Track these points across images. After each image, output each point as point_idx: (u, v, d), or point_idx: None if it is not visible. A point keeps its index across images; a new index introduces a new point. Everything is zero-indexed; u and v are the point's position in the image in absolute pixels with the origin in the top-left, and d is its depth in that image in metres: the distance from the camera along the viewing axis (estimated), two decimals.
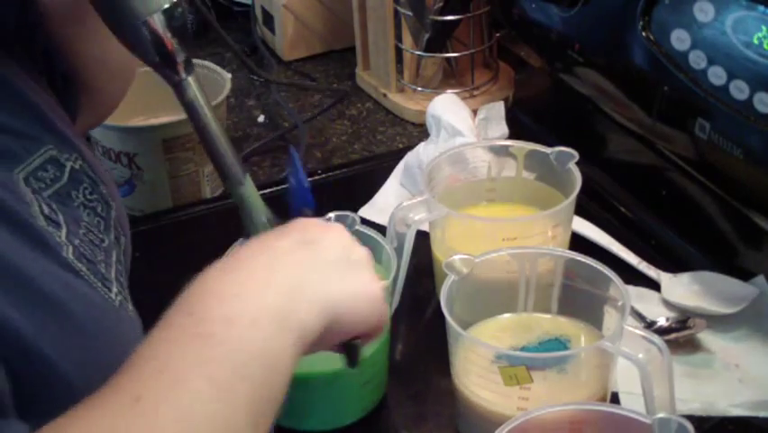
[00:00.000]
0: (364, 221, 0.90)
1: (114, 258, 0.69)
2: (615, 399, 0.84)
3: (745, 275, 0.93)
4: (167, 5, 0.67)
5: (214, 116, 0.71)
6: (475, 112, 1.14)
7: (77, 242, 0.64)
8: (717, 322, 0.91)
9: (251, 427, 0.53)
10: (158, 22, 0.66)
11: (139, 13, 0.66)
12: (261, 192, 0.85)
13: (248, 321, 0.55)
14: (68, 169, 0.68)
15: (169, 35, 0.67)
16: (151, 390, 0.51)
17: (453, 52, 1.30)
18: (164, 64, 0.69)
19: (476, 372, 0.78)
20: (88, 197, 0.69)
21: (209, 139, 0.71)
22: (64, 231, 0.63)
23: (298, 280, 0.60)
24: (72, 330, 0.59)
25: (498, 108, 1.14)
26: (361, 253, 0.66)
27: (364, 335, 0.66)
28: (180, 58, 0.69)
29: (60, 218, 0.64)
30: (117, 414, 0.50)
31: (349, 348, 0.67)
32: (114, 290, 0.66)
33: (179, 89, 0.71)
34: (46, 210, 0.63)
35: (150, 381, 0.52)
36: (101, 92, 0.83)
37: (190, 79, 0.70)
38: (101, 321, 0.62)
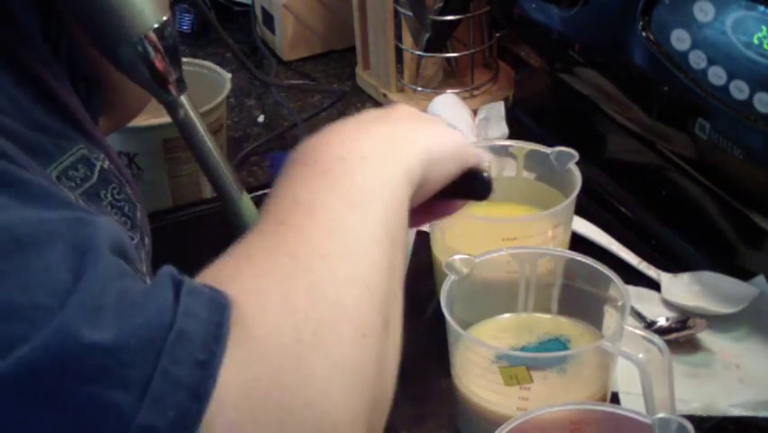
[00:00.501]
0: None
1: (142, 257, 0.69)
2: (615, 399, 0.84)
3: (745, 275, 0.93)
4: (156, 25, 0.66)
5: (208, 134, 0.72)
6: (475, 112, 1.14)
7: None
8: (717, 322, 0.91)
9: (388, 242, 0.57)
10: (148, 42, 0.66)
11: (129, 33, 0.66)
12: (261, 192, 0.86)
13: (357, 157, 0.58)
14: (97, 168, 0.68)
15: (160, 55, 0.67)
16: (292, 216, 0.55)
17: (453, 52, 1.30)
18: (156, 84, 0.69)
19: (476, 372, 0.78)
20: (116, 196, 0.69)
21: (204, 157, 0.73)
22: None
23: (390, 132, 0.62)
24: None
25: (498, 108, 1.14)
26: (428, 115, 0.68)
27: (474, 168, 0.66)
28: (172, 77, 0.69)
29: None
30: (266, 234, 0.54)
31: (476, 181, 0.67)
32: None
33: (171, 108, 0.72)
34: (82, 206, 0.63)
35: (291, 210, 0.55)
36: (124, 94, 0.83)
37: (183, 98, 0.71)
38: None
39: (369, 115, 0.65)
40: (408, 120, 0.65)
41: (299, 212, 0.55)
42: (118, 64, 0.68)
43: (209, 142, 0.72)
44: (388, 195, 0.58)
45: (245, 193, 0.73)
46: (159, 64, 0.68)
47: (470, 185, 0.67)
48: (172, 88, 0.70)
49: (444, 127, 0.66)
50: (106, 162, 0.69)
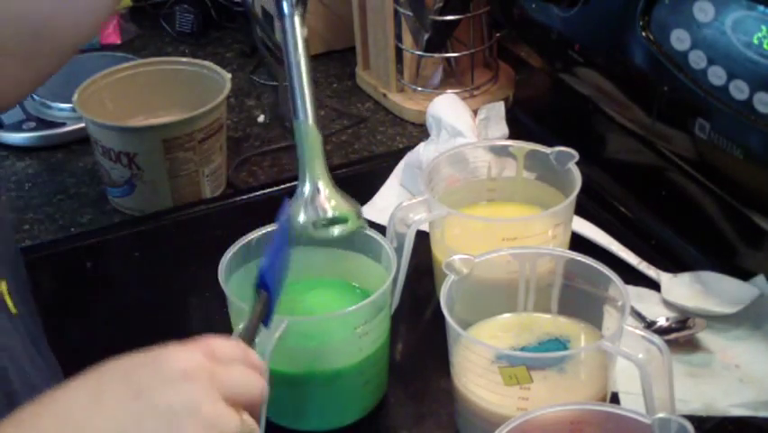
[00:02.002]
0: None
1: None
2: (615, 399, 0.84)
3: (745, 275, 0.93)
4: None
5: (302, 56, 0.81)
6: (475, 112, 1.14)
7: None
8: (717, 322, 0.91)
9: None
10: None
11: None
12: (261, 192, 0.86)
13: None
14: None
15: None
16: None
17: (453, 52, 1.30)
18: None
19: (476, 372, 0.78)
20: None
21: (289, 75, 0.82)
22: None
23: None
24: None
25: (499, 108, 1.14)
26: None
27: None
28: None
29: None
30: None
31: None
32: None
33: (281, 22, 0.81)
34: None
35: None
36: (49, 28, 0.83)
37: (296, 17, 0.81)
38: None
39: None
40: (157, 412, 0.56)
41: None
42: None
43: (295, 65, 0.81)
44: None
45: (311, 122, 0.81)
46: None
47: None
48: (285, 5, 0.80)
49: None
50: None
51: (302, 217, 0.83)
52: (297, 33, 0.81)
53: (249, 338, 0.65)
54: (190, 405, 0.56)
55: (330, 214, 0.83)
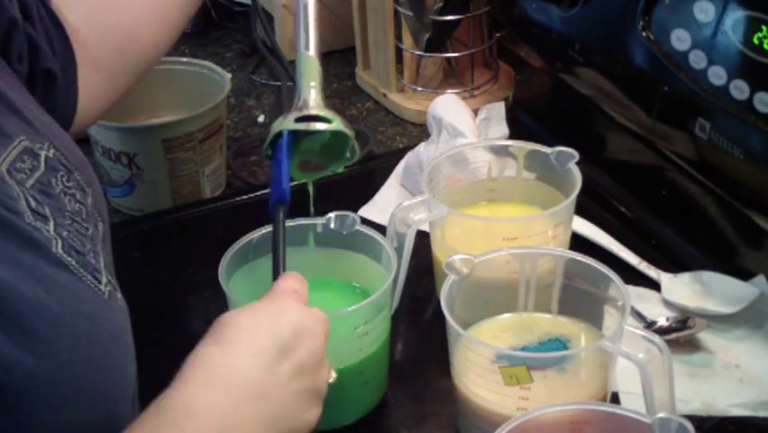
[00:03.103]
0: (364, 221, 0.91)
1: (99, 246, 0.68)
2: (615, 399, 0.84)
3: (745, 275, 0.93)
4: None
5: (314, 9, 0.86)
6: (475, 112, 1.14)
7: (65, 234, 0.64)
8: (717, 322, 0.91)
9: None
10: None
11: None
12: (262, 192, 0.86)
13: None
14: (42, 157, 0.67)
15: None
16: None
17: (453, 52, 1.30)
18: None
19: (476, 372, 0.78)
20: (66, 184, 0.69)
21: (298, 12, 0.86)
22: (52, 224, 0.63)
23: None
24: (58, 331, 0.59)
25: (499, 109, 1.14)
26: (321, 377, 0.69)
27: None
28: None
29: (47, 211, 0.64)
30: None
31: None
32: (104, 280, 0.66)
33: None
34: (33, 204, 0.63)
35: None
36: (105, 69, 0.85)
37: None
38: (93, 317, 0.63)
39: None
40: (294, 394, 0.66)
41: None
42: None
43: (304, 5, 0.86)
44: None
45: (312, 54, 0.85)
46: None
47: None
48: None
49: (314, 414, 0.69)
50: (51, 150, 0.69)
51: (287, 115, 0.83)
52: None
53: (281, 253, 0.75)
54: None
55: (314, 111, 0.83)
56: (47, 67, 0.79)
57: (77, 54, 0.83)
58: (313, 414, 0.68)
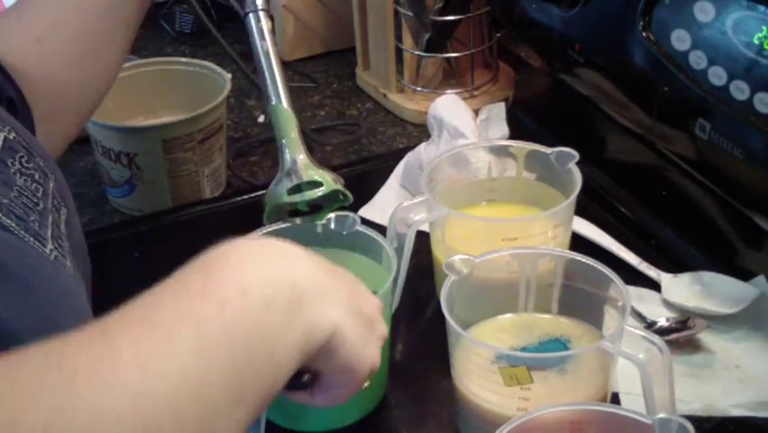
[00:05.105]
0: (364, 221, 0.90)
1: (50, 221, 0.69)
2: (615, 399, 0.84)
3: (745, 275, 0.93)
4: None
5: (269, 45, 0.87)
6: (476, 112, 1.14)
7: (5, 201, 0.64)
8: (717, 322, 0.91)
9: (230, 403, 0.51)
10: None
11: None
12: (262, 192, 0.86)
13: (260, 300, 0.55)
14: (1, 138, 0.69)
15: None
16: (126, 327, 0.50)
17: (453, 52, 1.30)
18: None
19: (476, 372, 0.78)
20: (25, 165, 0.70)
21: (258, 64, 0.87)
22: None
23: (322, 287, 0.59)
24: (3, 278, 0.59)
25: (499, 109, 1.14)
26: (380, 330, 0.65)
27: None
28: None
29: None
30: (86, 342, 0.49)
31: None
32: (50, 246, 0.66)
33: (245, 20, 0.87)
34: None
35: (130, 321, 0.51)
36: (60, 101, 0.87)
37: (260, 14, 0.86)
38: (36, 270, 0.62)
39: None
40: (355, 313, 0.62)
41: (139, 327, 0.51)
42: None
43: (263, 56, 0.87)
44: (261, 351, 0.54)
45: (281, 104, 0.84)
46: None
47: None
48: (248, 2, 0.87)
49: (376, 349, 0.64)
50: (12, 134, 0.70)
51: (279, 188, 0.83)
52: (262, 25, 0.86)
53: None
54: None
55: (304, 178, 0.83)
56: (9, 95, 0.81)
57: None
58: (373, 348, 0.63)
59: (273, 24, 0.88)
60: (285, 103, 0.84)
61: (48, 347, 0.48)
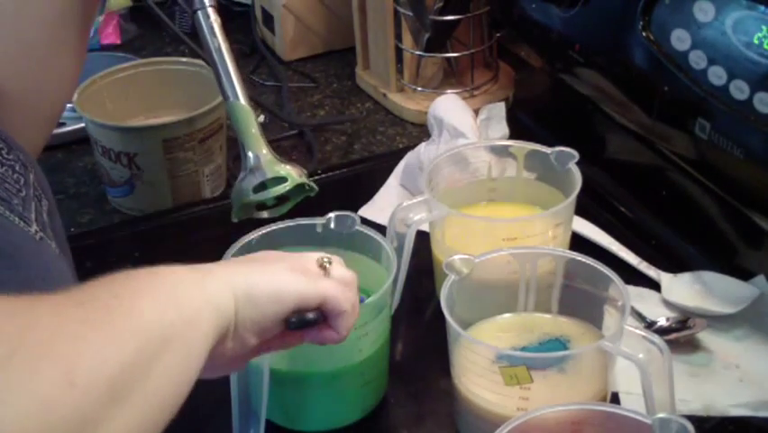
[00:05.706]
0: (364, 221, 0.90)
1: (33, 208, 0.69)
2: (615, 399, 0.84)
3: (745, 275, 0.93)
4: None
5: (221, 41, 0.84)
6: (476, 112, 1.14)
7: None
8: (717, 322, 0.91)
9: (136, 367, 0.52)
10: None
11: None
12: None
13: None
14: None
15: None
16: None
17: (453, 52, 1.30)
18: None
19: (476, 372, 0.78)
20: (6, 156, 0.71)
21: (212, 62, 0.84)
22: None
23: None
24: None
25: (500, 109, 1.14)
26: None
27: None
28: None
29: None
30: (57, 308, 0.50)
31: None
32: (35, 227, 0.67)
33: (194, 18, 0.84)
34: None
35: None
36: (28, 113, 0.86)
37: (209, 11, 0.84)
38: (21, 247, 0.63)
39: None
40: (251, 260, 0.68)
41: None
42: None
43: (215, 51, 0.84)
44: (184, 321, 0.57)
45: (239, 102, 0.85)
46: None
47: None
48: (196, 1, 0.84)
49: (280, 269, 0.66)
50: None
51: (244, 185, 0.84)
52: (212, 22, 0.84)
53: None
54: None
55: (268, 175, 0.83)
56: None
57: None
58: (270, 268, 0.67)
59: (222, 20, 0.86)
60: (242, 99, 0.85)
61: None
